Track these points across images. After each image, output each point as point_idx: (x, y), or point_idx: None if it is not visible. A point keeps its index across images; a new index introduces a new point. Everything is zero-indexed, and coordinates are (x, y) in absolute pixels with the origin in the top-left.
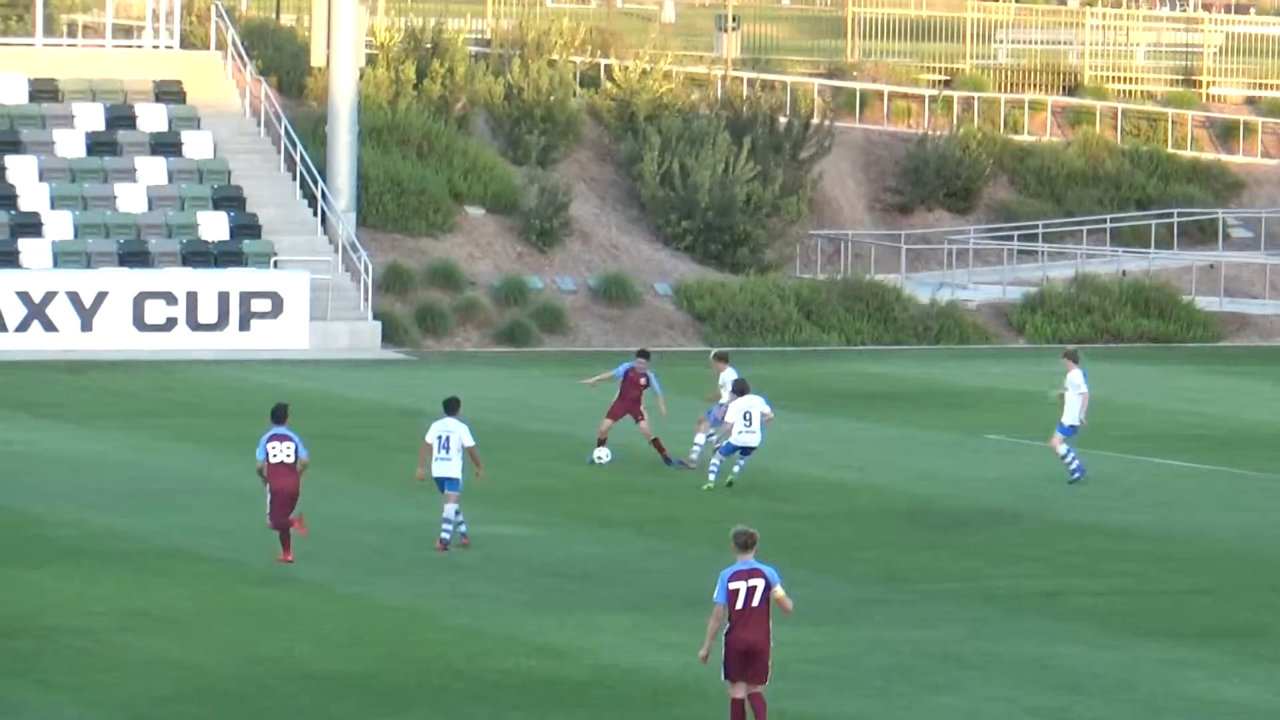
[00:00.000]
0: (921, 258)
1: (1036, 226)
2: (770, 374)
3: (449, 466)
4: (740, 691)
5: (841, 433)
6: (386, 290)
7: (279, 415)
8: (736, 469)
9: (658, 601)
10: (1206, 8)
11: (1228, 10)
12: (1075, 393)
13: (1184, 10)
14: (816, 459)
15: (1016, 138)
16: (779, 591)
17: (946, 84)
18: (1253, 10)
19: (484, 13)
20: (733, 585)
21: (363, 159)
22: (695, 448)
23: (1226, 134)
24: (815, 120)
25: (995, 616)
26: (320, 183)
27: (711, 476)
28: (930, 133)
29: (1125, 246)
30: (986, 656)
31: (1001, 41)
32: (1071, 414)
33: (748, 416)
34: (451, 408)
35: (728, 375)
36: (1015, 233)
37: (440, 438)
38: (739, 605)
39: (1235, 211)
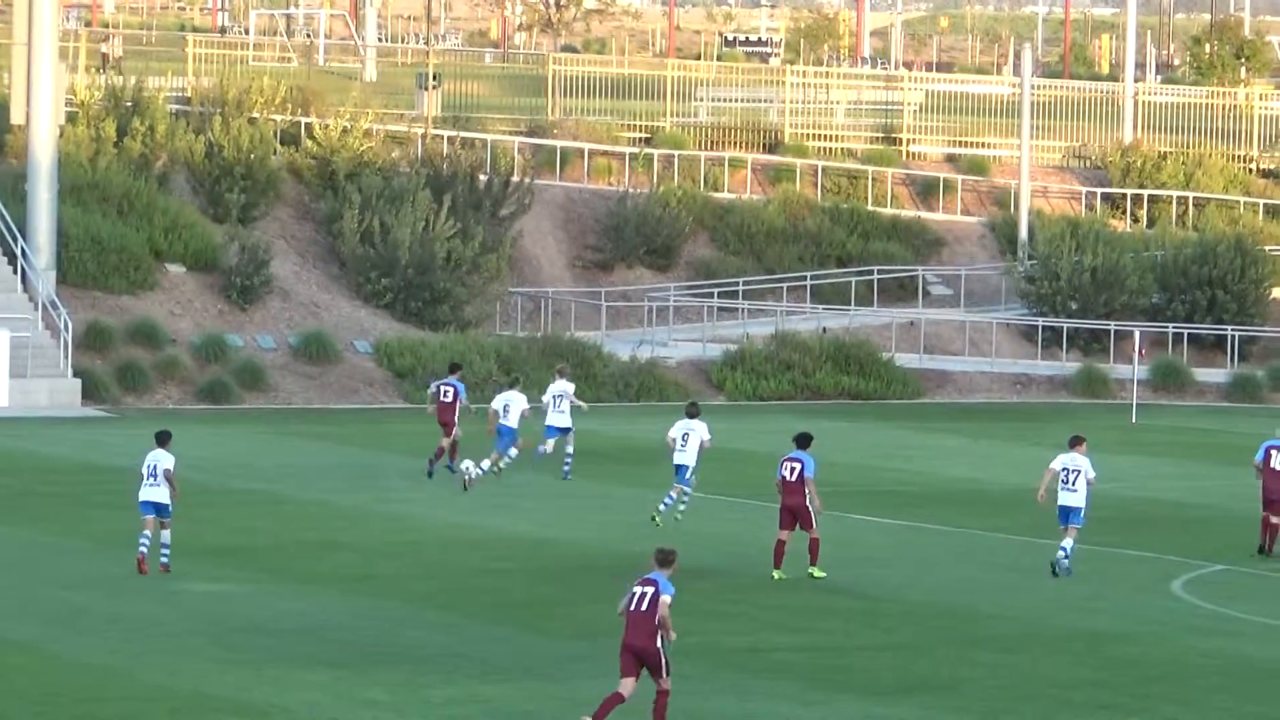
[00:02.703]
0: (622, 315)
1: (737, 284)
2: (470, 430)
3: (158, 493)
4: (626, 688)
5: (545, 490)
6: (87, 348)
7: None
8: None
9: (358, 658)
10: (907, 66)
11: (928, 69)
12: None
13: (884, 69)
14: (522, 516)
15: (717, 195)
16: (665, 599)
17: (647, 142)
18: (954, 68)
19: (185, 71)
20: (634, 589)
21: (63, 217)
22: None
23: (926, 191)
24: (515, 178)
25: (696, 672)
26: (20, 240)
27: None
28: (630, 190)
29: (825, 303)
30: (688, 713)
31: (702, 100)
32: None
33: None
34: (163, 440)
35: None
36: (715, 290)
37: (149, 466)
38: (631, 607)
39: (935, 269)
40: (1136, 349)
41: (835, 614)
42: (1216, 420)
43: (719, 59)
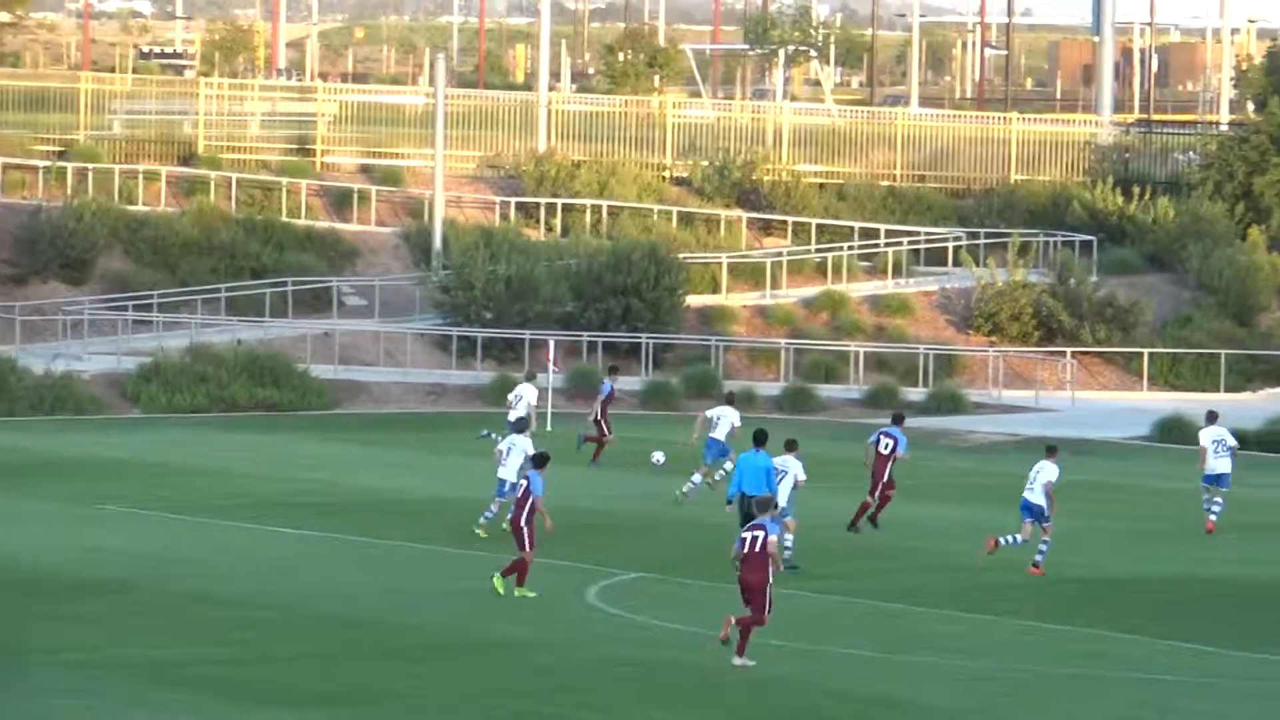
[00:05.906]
0: (36, 329)
1: (151, 296)
2: None
3: None
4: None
5: None
6: None
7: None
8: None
9: None
10: (322, 77)
11: (343, 80)
12: None
13: (299, 80)
14: None
15: (131, 208)
16: (773, 539)
17: (61, 155)
18: (370, 79)
19: None
20: (744, 534)
21: None
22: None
23: (341, 202)
24: None
25: (111, 687)
26: None
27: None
28: (44, 204)
29: (240, 315)
30: None
31: (116, 112)
32: None
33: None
34: None
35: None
36: (130, 303)
37: None
38: (745, 550)
39: (349, 279)
40: (550, 358)
41: (250, 625)
42: (631, 428)
43: (134, 71)
